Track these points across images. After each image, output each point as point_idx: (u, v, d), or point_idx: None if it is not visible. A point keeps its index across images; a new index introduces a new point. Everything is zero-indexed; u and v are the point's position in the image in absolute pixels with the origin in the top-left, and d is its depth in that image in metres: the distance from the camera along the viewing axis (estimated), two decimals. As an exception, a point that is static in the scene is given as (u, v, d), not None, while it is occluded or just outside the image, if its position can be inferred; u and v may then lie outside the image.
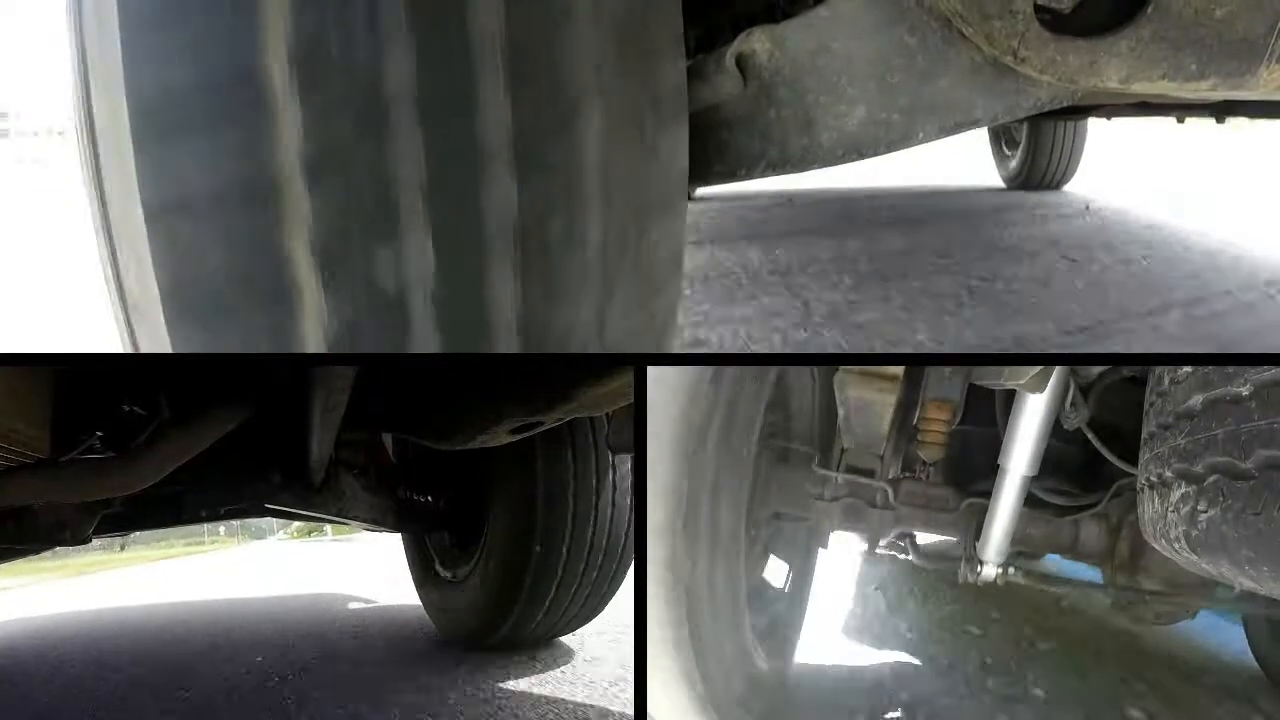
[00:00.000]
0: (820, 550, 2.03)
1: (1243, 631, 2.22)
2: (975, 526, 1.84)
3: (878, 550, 1.93)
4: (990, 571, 1.78)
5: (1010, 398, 1.71)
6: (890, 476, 1.91)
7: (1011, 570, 1.80)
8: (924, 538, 1.99)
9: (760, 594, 1.92)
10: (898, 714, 1.96)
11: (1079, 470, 1.88)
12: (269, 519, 2.40)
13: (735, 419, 1.60)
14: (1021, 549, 1.84)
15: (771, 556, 1.94)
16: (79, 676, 2.77)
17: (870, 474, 1.91)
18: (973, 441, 1.93)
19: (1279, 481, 1.23)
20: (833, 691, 2.09)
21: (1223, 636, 2.39)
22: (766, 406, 1.72)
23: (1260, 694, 2.06)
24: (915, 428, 1.84)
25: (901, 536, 1.92)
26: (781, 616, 2.01)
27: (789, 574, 2.00)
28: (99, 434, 1.44)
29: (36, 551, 1.71)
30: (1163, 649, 2.42)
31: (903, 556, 1.94)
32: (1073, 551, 1.86)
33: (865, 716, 1.96)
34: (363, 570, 6.50)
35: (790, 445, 1.94)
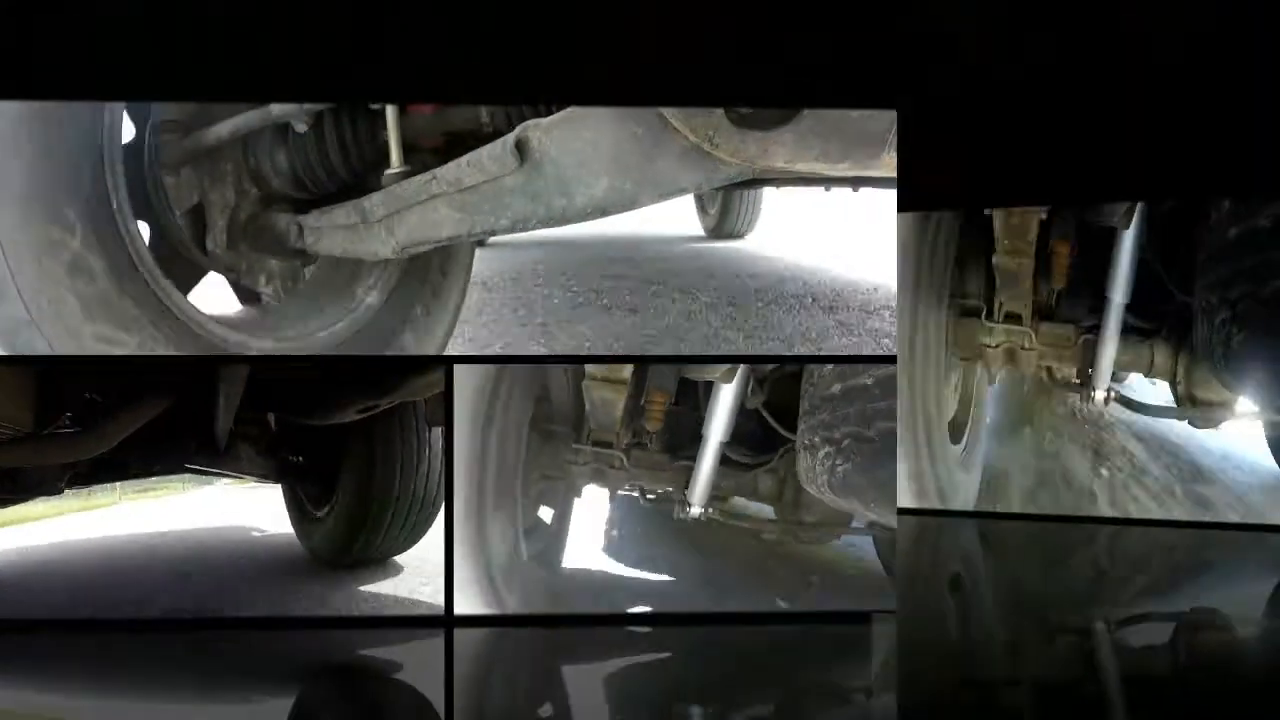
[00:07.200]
0: (576, 500, 2.53)
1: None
2: (685, 480, 2.34)
3: (617, 496, 2.47)
4: (696, 511, 2.31)
5: (710, 387, 2.24)
6: (624, 445, 2.39)
7: (710, 510, 2.32)
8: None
9: (533, 531, 2.41)
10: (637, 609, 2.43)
11: (758, 438, 2.37)
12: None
13: (513, 405, 2.12)
14: (718, 494, 2.36)
15: (541, 505, 2.46)
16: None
17: (609, 445, 2.39)
18: (683, 419, 2.40)
19: (892, 444, 1.83)
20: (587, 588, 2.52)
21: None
22: (536, 398, 2.24)
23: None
24: (642, 407, 2.35)
25: (634, 488, 2.45)
26: (550, 546, 2.51)
27: (554, 516, 2.52)
28: (68, 415, 1.91)
29: (22, 501, 2.11)
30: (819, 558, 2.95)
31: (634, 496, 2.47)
32: (754, 496, 2.41)
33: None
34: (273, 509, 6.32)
35: (553, 426, 2.43)
